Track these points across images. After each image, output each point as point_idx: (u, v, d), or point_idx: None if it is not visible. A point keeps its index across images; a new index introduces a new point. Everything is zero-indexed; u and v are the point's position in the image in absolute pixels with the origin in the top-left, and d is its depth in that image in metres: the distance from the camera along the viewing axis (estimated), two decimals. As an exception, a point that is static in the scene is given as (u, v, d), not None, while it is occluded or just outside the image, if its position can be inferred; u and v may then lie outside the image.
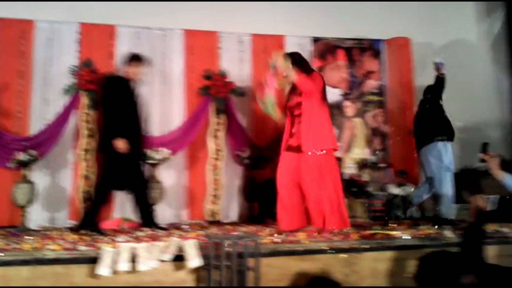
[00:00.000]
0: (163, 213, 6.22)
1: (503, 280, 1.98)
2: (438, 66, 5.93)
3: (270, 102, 4.54)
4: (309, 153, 4.37)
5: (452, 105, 6.89)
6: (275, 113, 4.59)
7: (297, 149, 4.44)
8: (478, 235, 2.12)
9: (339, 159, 6.85)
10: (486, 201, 2.06)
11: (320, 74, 4.71)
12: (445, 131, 5.81)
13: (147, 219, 5.00)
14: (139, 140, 5.01)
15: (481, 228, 2.13)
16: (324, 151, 4.40)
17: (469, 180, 6.25)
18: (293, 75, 4.45)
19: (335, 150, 4.57)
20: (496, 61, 7.87)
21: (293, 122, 4.62)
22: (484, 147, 5.21)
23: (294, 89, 4.62)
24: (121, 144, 4.62)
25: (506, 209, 5.09)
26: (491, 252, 3.45)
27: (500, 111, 7.61)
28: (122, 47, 6.56)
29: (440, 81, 5.90)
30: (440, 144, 5.67)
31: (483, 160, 3.93)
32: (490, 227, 4.45)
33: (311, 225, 4.37)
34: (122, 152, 4.64)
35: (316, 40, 7.35)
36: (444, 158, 5.66)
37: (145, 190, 5.17)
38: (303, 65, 4.61)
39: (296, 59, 4.58)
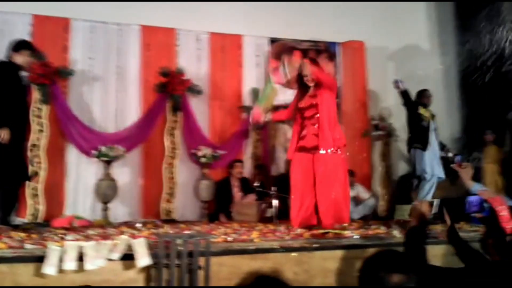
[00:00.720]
0: (117, 211, 6.15)
1: (443, 280, 2.05)
2: (396, 84, 6.18)
3: (270, 87, 4.92)
4: (328, 151, 4.56)
5: (404, 110, 7.10)
6: (267, 101, 4.90)
7: (311, 150, 4.61)
8: (420, 237, 2.20)
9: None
10: (429, 206, 2.13)
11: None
12: (420, 140, 6.07)
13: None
14: (23, 130, 4.72)
15: (423, 230, 2.21)
16: (340, 150, 4.64)
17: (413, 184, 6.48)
18: (309, 68, 4.81)
19: (345, 146, 4.80)
20: (446, 66, 8.15)
21: (303, 124, 4.77)
22: (455, 158, 5.48)
23: (305, 90, 4.82)
24: (3, 134, 4.24)
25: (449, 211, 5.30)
26: (437, 252, 3.58)
27: (450, 114, 7.87)
28: (77, 41, 6.44)
29: (403, 96, 6.14)
30: (415, 151, 6.10)
31: (455, 171, 4.06)
32: (438, 228, 4.62)
33: (321, 225, 4.49)
34: (3, 143, 4.26)
35: (273, 40, 7.39)
36: (417, 165, 5.93)
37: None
38: (318, 64, 4.97)
39: (312, 58, 4.96)
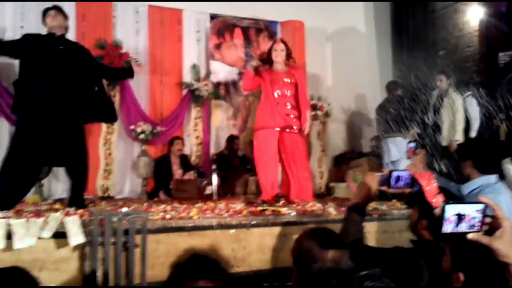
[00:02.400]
0: (53, 187, 5.95)
1: (377, 260, 2.10)
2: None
3: None
4: (296, 130, 4.66)
5: (341, 90, 7.28)
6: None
7: (283, 128, 4.65)
8: (360, 215, 2.24)
9: (236, 137, 6.96)
10: (376, 180, 2.15)
11: None
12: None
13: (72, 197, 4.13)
14: (69, 102, 3.94)
15: (363, 208, 2.25)
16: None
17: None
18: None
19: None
20: (381, 49, 8.38)
21: (274, 102, 4.69)
22: (376, 140, 5.59)
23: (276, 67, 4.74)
24: None
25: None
26: (371, 229, 3.72)
27: (381, 95, 8.14)
28: (5, 9, 6.10)
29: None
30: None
31: (408, 157, 4.16)
32: (371, 205, 4.79)
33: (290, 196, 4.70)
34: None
35: (213, 17, 7.32)
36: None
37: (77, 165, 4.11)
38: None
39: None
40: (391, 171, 2.18)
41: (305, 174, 4.81)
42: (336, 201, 5.48)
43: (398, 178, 2.10)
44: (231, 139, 6.97)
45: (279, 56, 4.74)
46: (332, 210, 4.24)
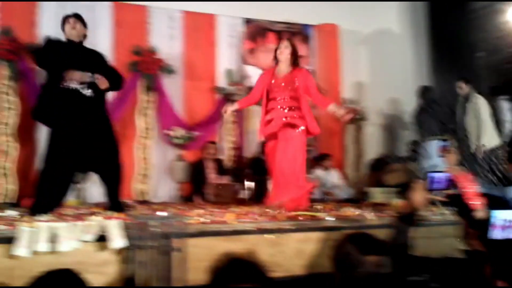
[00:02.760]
0: (92, 191, 6.04)
1: (425, 268, 2.06)
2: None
3: None
4: (295, 130, 4.52)
5: (377, 93, 7.20)
6: None
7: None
8: (409, 221, 2.19)
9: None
10: (423, 189, 2.10)
11: None
12: None
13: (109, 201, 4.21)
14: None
15: (411, 217, 2.20)
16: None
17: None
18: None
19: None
20: (417, 50, 8.23)
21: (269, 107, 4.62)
22: (415, 144, 5.45)
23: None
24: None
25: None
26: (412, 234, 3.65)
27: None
28: (46, 19, 6.23)
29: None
30: None
31: (441, 156, 4.10)
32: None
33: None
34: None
35: (247, 21, 7.34)
36: None
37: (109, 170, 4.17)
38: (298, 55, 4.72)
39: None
40: (428, 174, 2.14)
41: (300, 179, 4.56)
42: (373, 206, 5.41)
43: (436, 180, 2.07)
44: (264, 144, 6.94)
45: (282, 54, 4.59)
46: (369, 215, 4.19)
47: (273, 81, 4.59)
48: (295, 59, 4.62)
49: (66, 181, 3.98)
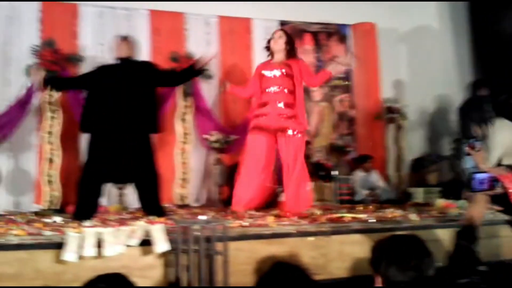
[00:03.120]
0: (133, 196, 6.15)
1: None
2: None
3: None
4: (297, 134, 4.37)
5: (417, 91, 7.05)
6: None
7: (276, 130, 4.37)
8: (471, 237, 2.12)
9: (308, 143, 6.91)
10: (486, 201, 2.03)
11: None
12: None
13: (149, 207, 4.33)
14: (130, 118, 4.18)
15: (474, 231, 2.13)
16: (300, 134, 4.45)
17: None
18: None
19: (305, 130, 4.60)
20: (458, 47, 8.02)
21: (264, 99, 4.45)
22: (457, 142, 5.29)
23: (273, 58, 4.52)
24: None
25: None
26: (455, 234, 3.56)
27: (460, 96, 7.78)
28: (86, 27, 6.40)
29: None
30: None
31: (468, 154, 3.98)
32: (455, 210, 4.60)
33: (280, 207, 4.44)
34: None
35: (282, 23, 7.32)
36: None
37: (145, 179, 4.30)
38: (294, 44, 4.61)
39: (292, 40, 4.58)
40: (472, 174, 2.08)
41: (304, 184, 4.46)
42: (415, 206, 5.32)
43: (480, 181, 2.01)
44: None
45: (276, 43, 4.46)
46: (413, 216, 4.11)
47: (267, 72, 4.44)
48: (291, 49, 4.49)
49: (100, 188, 4.15)
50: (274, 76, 4.37)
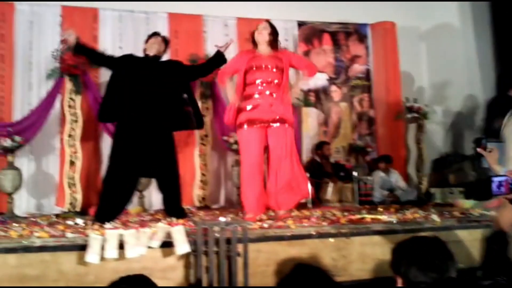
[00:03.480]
0: (152, 198, 6.21)
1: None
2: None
3: None
4: (289, 126, 4.23)
5: (438, 91, 6.97)
6: None
7: (266, 122, 4.17)
8: (503, 242, 2.09)
9: (327, 143, 6.87)
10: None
11: None
12: None
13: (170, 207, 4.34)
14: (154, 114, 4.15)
15: (505, 235, 2.09)
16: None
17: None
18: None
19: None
20: (480, 45, 7.90)
21: (253, 90, 4.24)
22: (478, 142, 5.18)
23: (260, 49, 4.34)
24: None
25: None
26: (477, 236, 3.51)
27: (484, 94, 7.66)
28: (105, 31, 6.48)
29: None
30: None
31: (480, 155, 3.91)
32: (477, 211, 4.53)
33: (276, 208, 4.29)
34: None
35: (301, 24, 7.32)
36: None
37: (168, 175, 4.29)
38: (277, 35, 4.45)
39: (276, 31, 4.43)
40: (491, 178, 2.05)
41: (299, 168, 4.28)
42: (437, 207, 5.26)
43: (500, 184, 1.98)
44: (321, 145, 6.85)
45: (260, 35, 4.30)
46: (435, 217, 4.06)
47: (257, 64, 4.24)
48: (274, 39, 4.33)
49: (128, 189, 4.10)
50: (266, 68, 4.20)
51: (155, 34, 4.53)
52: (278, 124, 4.17)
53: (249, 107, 4.21)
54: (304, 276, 1.75)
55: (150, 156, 4.07)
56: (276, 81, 4.19)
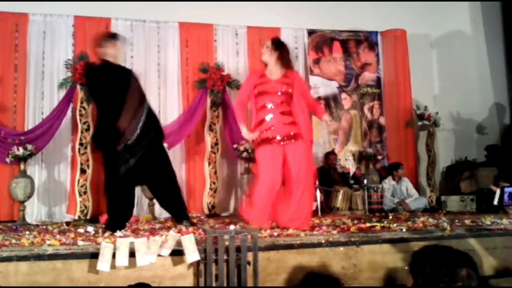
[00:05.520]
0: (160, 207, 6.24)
1: None
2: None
3: None
4: (305, 141, 4.12)
5: (449, 98, 6.94)
6: None
7: (282, 140, 4.08)
8: None
9: (333, 153, 6.86)
10: None
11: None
12: None
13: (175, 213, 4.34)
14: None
15: None
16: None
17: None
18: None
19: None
20: (492, 52, 7.86)
21: (266, 111, 4.14)
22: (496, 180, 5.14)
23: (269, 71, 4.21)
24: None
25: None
26: (490, 244, 3.48)
27: (495, 100, 7.63)
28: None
29: None
30: None
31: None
32: (488, 219, 4.49)
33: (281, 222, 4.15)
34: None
35: (311, 32, 7.34)
36: None
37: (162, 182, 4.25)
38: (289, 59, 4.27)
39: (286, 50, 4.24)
40: (503, 188, 2.04)
41: (308, 194, 4.17)
42: (449, 215, 5.21)
43: (511, 195, 1.97)
44: (328, 156, 6.86)
45: (263, 54, 4.14)
46: (446, 226, 4.02)
47: (265, 88, 4.13)
48: (286, 60, 4.18)
49: (128, 198, 4.10)
50: (274, 92, 4.11)
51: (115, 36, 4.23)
52: (293, 140, 4.09)
53: (264, 131, 4.12)
54: (315, 284, 1.76)
55: (143, 165, 3.99)
56: (285, 103, 4.10)
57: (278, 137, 4.08)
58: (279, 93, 4.08)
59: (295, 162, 4.07)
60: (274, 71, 4.14)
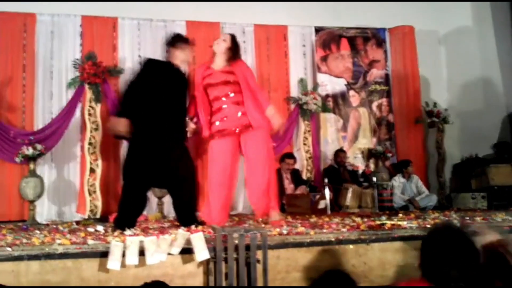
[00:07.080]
0: (171, 205, 6.22)
1: None
2: None
3: None
4: (260, 128, 4.11)
5: (458, 94, 6.90)
6: None
7: (236, 131, 4.11)
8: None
9: (342, 151, 6.84)
10: None
11: None
12: None
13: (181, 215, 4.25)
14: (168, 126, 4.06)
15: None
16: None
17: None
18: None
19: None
20: (501, 47, 7.80)
21: (216, 104, 4.17)
22: None
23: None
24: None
25: None
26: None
27: (505, 96, 7.56)
28: (125, 39, 6.56)
29: None
30: None
31: None
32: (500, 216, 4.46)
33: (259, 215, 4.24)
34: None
35: (318, 29, 7.31)
36: None
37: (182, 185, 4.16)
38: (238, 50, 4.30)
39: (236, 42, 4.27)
40: None
41: (271, 178, 4.20)
42: (459, 212, 5.18)
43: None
44: (337, 153, 6.84)
45: (217, 45, 4.17)
46: (456, 223, 4.00)
47: (212, 81, 4.16)
48: (234, 53, 4.18)
49: (141, 198, 4.08)
50: (221, 84, 4.12)
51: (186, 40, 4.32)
52: (250, 129, 4.09)
53: (217, 122, 4.16)
54: (333, 282, 1.76)
55: (161, 167, 4.01)
56: (232, 94, 4.11)
57: (232, 128, 4.09)
58: (224, 83, 4.09)
59: (253, 149, 4.12)
60: (219, 62, 4.18)
